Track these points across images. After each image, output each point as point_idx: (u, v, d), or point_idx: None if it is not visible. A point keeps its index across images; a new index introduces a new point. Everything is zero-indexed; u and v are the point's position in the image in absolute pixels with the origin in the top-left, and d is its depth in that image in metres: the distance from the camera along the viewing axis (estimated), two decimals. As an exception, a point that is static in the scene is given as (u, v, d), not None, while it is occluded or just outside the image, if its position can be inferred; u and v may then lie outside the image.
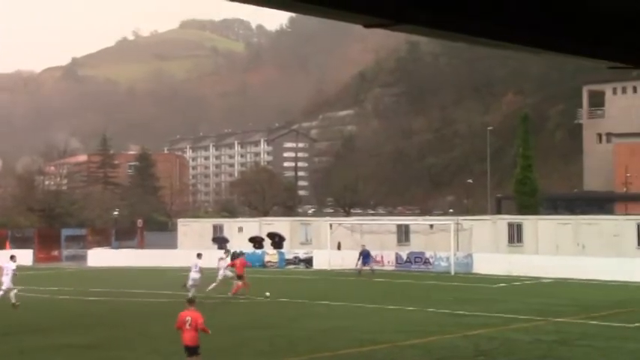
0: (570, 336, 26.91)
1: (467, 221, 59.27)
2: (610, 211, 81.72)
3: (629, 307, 35.12)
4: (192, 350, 19.29)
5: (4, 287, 35.14)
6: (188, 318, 19.32)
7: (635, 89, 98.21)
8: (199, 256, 40.28)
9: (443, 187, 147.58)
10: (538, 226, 56.31)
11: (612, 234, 52.56)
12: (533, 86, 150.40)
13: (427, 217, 78.09)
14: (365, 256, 52.55)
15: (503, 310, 33.79)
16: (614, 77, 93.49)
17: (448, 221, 59.76)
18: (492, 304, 36.05)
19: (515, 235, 56.35)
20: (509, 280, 48.19)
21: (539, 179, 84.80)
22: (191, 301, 20.18)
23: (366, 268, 52.03)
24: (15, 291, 35.27)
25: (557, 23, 5.57)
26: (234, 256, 50.83)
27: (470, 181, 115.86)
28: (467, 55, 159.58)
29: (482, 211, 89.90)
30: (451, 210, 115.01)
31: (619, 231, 52.63)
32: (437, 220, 66.23)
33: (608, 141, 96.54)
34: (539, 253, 54.09)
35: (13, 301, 34.59)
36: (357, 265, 52.73)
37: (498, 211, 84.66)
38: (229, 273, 40.51)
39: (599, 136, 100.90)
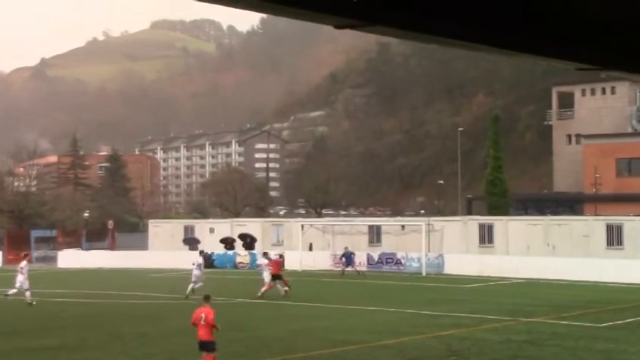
0: (540, 336, 27.07)
1: (438, 222, 59.46)
2: (580, 212, 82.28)
3: (599, 307, 35.38)
4: (205, 345, 19.78)
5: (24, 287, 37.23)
6: (203, 314, 19.90)
7: (604, 91, 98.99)
8: (201, 253, 44.11)
9: (414, 188, 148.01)
10: (508, 227, 56.59)
11: (582, 234, 52.94)
12: (503, 87, 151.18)
13: (398, 218, 78.28)
14: (347, 257, 52.60)
15: (474, 310, 33.93)
16: (584, 79, 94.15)
17: (419, 222, 59.93)
18: (464, 305, 36.19)
19: (486, 236, 56.58)
20: (480, 280, 48.41)
21: (509, 180, 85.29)
22: (207, 298, 20.66)
23: (350, 269, 52.09)
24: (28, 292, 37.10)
25: (527, 25, 5.59)
26: (207, 256, 50.96)
27: (441, 181, 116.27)
28: (437, 56, 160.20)
29: (453, 212, 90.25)
30: (422, 211, 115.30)
31: (588, 231, 53.01)
32: (408, 221, 66.38)
33: (578, 142, 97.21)
34: (509, 254, 54.36)
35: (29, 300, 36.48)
36: (338, 266, 52.90)
37: (469, 212, 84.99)
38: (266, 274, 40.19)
39: (569, 137, 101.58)
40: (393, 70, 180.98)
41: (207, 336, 19.78)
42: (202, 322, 19.80)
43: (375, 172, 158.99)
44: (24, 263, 38.18)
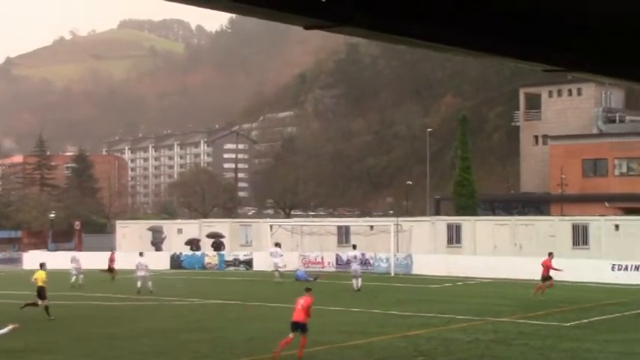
0: (508, 335, 27.27)
1: (406, 222, 59.67)
2: (546, 212, 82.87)
3: (565, 306, 35.68)
4: (297, 326, 22.99)
5: None
6: (301, 301, 23.26)
7: (570, 92, 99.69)
8: (278, 245, 51.48)
9: (382, 189, 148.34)
10: (476, 227, 56.92)
11: (548, 234, 53.36)
12: (471, 89, 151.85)
13: (367, 219, 78.44)
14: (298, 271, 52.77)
15: (442, 310, 34.10)
16: (550, 80, 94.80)
17: (388, 222, 60.11)
18: (432, 305, 36.35)
19: (454, 236, 56.89)
20: (448, 280, 48.65)
21: (477, 180, 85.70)
22: (308, 289, 24.15)
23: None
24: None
25: (494, 27, 5.64)
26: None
27: (409, 182, 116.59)
28: (406, 57, 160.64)
29: (422, 213, 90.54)
30: (391, 211, 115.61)
31: (555, 231, 53.44)
32: (377, 222, 66.56)
33: (545, 143, 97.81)
34: (477, 254, 54.70)
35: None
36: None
37: (437, 213, 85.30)
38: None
39: (536, 138, 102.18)
40: (362, 71, 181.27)
41: (300, 318, 22.98)
42: (299, 307, 23.11)
43: (344, 172, 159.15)
44: None
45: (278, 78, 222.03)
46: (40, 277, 33.65)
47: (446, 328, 29.12)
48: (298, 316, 23.13)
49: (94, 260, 56.35)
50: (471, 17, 5.57)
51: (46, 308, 32.77)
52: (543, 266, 40.27)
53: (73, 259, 48.73)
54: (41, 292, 33.15)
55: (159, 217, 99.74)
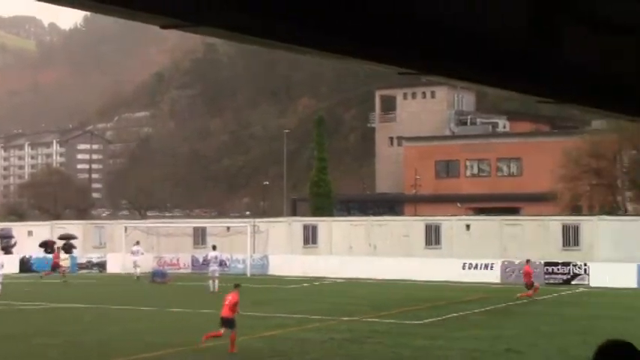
0: (361, 334, 27.65)
1: (263, 223, 59.74)
2: (400, 212, 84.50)
3: (418, 304, 36.47)
4: (227, 322, 23.89)
5: None
6: (229, 297, 24.34)
7: (424, 95, 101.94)
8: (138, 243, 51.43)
9: (239, 189, 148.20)
10: (332, 228, 57.49)
11: (402, 234, 54.38)
12: (328, 90, 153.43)
13: (224, 220, 78.14)
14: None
15: (298, 310, 34.30)
16: (405, 83, 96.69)
17: (244, 223, 60.06)
18: (287, 305, 36.53)
19: (310, 237, 57.28)
20: (304, 280, 48.97)
21: (333, 181, 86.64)
22: (237, 285, 25.48)
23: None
24: None
25: (349, 27, 5.72)
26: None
27: (266, 183, 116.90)
28: (264, 57, 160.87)
29: (278, 213, 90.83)
30: (248, 212, 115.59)
31: (408, 231, 54.51)
32: (233, 223, 66.39)
33: (399, 144, 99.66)
34: (332, 254, 55.22)
35: None
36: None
37: (294, 213, 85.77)
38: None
39: (391, 139, 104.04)
40: (220, 71, 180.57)
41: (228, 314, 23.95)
42: (226, 303, 24.12)
43: (201, 173, 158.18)
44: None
45: (134, 77, 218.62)
46: None
47: (301, 328, 29.32)
48: (226, 311, 24.00)
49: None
50: (327, 18, 5.61)
51: None
52: (525, 274, 40.28)
53: None
54: None
55: (6, 220, 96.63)
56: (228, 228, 60.25)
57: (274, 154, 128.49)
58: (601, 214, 55.45)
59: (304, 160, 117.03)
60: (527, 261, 42.18)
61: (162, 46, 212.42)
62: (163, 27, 5.59)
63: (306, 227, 58.15)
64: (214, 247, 47.42)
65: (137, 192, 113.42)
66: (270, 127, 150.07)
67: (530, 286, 39.33)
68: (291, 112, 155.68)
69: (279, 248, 56.66)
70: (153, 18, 5.26)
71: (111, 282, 51.00)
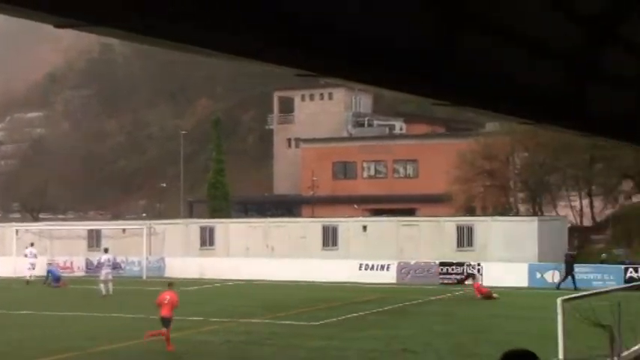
0: (259, 336, 27.64)
1: (159, 225, 59.15)
2: (298, 214, 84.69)
3: (315, 305, 36.63)
4: (167, 321, 24.52)
5: None
6: (167, 297, 24.87)
7: (322, 96, 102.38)
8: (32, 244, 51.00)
9: (135, 191, 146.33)
10: (229, 229, 57.27)
11: (299, 236, 54.52)
12: (225, 91, 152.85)
13: (119, 222, 77.05)
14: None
15: (195, 313, 34.04)
16: (303, 84, 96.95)
17: (140, 225, 59.38)
18: (185, 308, 36.08)
19: (208, 239, 56.96)
20: (201, 283, 48.69)
21: (231, 183, 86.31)
22: (171, 284, 26.25)
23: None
24: None
25: (247, 27, 5.71)
26: None
27: (163, 184, 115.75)
28: (161, 58, 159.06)
29: (175, 215, 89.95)
30: (144, 214, 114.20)
31: (305, 233, 54.70)
32: (129, 225, 65.51)
33: (297, 146, 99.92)
34: (230, 256, 55.02)
35: None
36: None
37: (191, 215, 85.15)
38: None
39: (289, 141, 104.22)
40: (116, 71, 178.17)
41: (169, 314, 24.55)
42: (166, 302, 24.67)
43: (96, 174, 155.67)
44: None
45: (27, 77, 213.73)
46: None
47: (198, 330, 29.14)
48: (166, 311, 24.58)
49: None
50: (223, 18, 5.59)
51: None
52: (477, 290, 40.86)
53: None
54: None
55: None
56: (123, 230, 59.50)
57: (171, 156, 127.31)
58: (494, 215, 56.64)
59: (201, 161, 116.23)
60: (473, 277, 44.02)
61: (56, 45, 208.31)
62: (57, 26, 5.48)
63: (203, 229, 57.79)
64: (106, 250, 46.74)
65: (29, 194, 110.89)
66: (167, 128, 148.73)
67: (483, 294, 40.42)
68: (188, 114, 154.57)
69: (176, 250, 56.18)
70: (47, 17, 5.15)
71: (2, 286, 49.71)
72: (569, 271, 43.54)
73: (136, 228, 58.78)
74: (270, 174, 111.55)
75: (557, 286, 42.49)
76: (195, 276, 51.51)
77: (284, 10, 5.76)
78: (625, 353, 20.23)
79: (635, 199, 63.63)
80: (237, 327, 29.99)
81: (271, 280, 48.85)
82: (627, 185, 62.72)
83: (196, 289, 46.04)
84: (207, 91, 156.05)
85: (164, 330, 24.27)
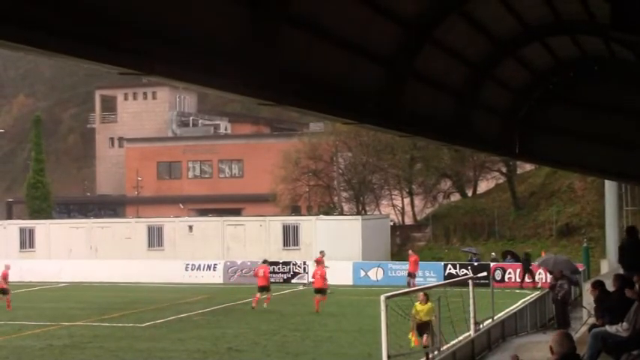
0: (82, 339, 27.07)
1: (-24, 227, 56.94)
2: (122, 214, 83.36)
3: (141, 307, 36.16)
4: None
5: None
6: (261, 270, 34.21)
7: (145, 95, 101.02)
8: None
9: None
10: (50, 231, 55.76)
11: (124, 236, 53.70)
12: (45, 89, 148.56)
13: None
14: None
15: (14, 317, 33.00)
16: (126, 83, 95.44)
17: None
18: (4, 312, 35.03)
19: (27, 240, 55.29)
20: (20, 286, 47.08)
21: (52, 183, 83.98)
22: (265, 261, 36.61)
23: None
24: None
25: (68, 26, 5.58)
26: None
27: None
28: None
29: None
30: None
31: (130, 233, 53.92)
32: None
33: (121, 146, 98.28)
34: (52, 258, 53.58)
35: None
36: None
37: (9, 216, 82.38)
38: None
39: (112, 140, 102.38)
40: None
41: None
42: (261, 274, 34.45)
43: None
44: None
45: None
46: None
47: (17, 335, 28.24)
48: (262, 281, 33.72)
49: None
50: (43, 16, 5.45)
51: None
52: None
53: None
54: None
55: None
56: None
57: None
58: (319, 214, 57.45)
59: (20, 161, 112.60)
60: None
61: None
62: None
63: (22, 230, 56.03)
64: None
65: None
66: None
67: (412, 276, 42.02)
68: (5, 111, 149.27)
69: (-6, 253, 54.17)
70: None
71: None
72: (526, 269, 44.37)
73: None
74: (92, 174, 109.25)
75: (520, 285, 43.20)
76: (15, 279, 49.65)
77: (104, 10, 5.68)
78: (444, 347, 20.97)
79: (453, 197, 65.97)
80: (59, 330, 29.23)
81: (96, 282, 47.90)
82: (445, 184, 64.90)
83: (15, 292, 44.50)
84: (26, 88, 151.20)
85: None
